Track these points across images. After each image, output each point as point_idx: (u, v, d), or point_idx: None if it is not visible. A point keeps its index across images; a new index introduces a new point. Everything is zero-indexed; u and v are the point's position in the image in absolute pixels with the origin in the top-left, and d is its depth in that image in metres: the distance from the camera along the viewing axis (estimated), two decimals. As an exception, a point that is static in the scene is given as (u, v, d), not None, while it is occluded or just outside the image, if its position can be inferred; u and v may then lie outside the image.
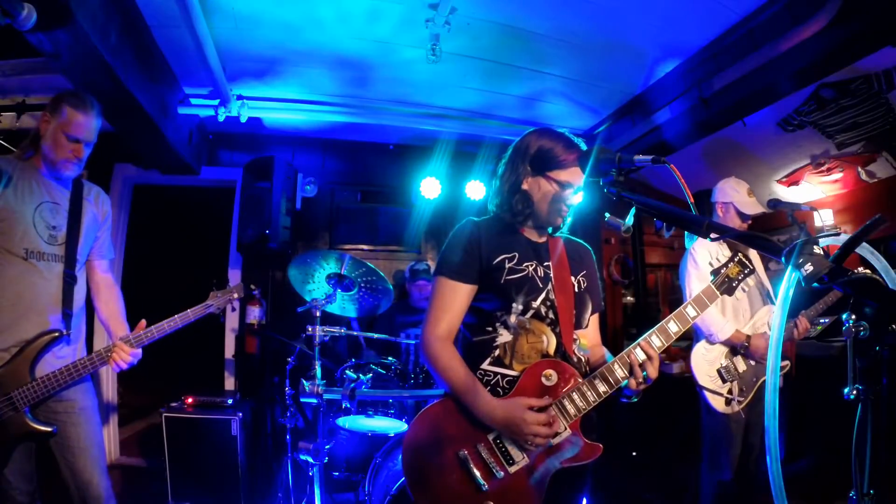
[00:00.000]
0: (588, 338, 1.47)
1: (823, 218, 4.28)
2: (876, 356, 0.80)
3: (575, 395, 1.25)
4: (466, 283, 1.32)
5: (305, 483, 2.26)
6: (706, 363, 2.38)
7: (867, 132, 3.67)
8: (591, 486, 1.39)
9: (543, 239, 1.43)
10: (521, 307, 1.31)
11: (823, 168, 4.16)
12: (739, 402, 2.29)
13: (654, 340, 1.29)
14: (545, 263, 1.38)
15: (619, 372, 1.27)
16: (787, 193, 4.53)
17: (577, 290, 1.39)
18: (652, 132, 3.47)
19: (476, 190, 3.63)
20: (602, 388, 1.26)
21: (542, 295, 1.33)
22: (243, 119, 2.97)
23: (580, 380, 1.27)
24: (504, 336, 1.32)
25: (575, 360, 1.33)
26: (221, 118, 2.91)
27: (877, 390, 0.80)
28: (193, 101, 2.95)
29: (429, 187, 3.51)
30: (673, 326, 1.34)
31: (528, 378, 1.27)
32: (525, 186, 1.36)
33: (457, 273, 1.32)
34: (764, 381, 2.30)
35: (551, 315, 1.32)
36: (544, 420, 1.19)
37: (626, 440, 3.53)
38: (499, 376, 1.30)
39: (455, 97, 3.15)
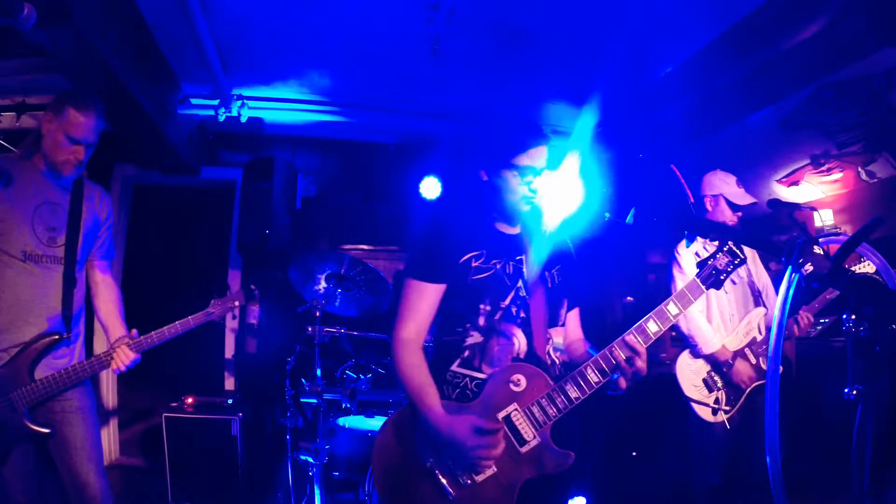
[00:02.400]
0: (568, 333, 1.43)
1: (823, 218, 4.28)
2: (876, 356, 0.80)
3: (544, 402, 1.21)
4: (432, 283, 1.29)
5: (305, 483, 2.26)
6: (691, 373, 2.34)
7: (867, 132, 3.65)
8: (573, 492, 1.37)
9: (517, 230, 1.38)
10: (489, 308, 1.28)
11: (823, 168, 4.13)
12: (726, 412, 2.26)
13: (631, 339, 1.23)
14: (517, 257, 1.33)
15: (593, 376, 1.21)
16: (787, 193, 4.53)
17: (549, 285, 1.35)
18: (652, 132, 3.48)
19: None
20: (574, 393, 1.20)
21: (512, 294, 1.29)
22: (243, 119, 2.98)
23: (551, 384, 1.22)
24: (474, 337, 1.29)
25: (548, 362, 1.30)
26: (222, 118, 2.92)
27: (876, 390, 0.80)
28: (194, 101, 2.96)
29: (429, 187, 3.51)
30: (652, 326, 1.26)
31: (494, 383, 1.23)
32: (486, 178, 1.32)
33: (422, 274, 1.29)
34: (752, 388, 2.27)
35: (522, 314, 1.29)
36: (486, 443, 1.14)
37: (626, 441, 3.53)
38: (467, 379, 1.27)
39: (454, 96, 3.15)
